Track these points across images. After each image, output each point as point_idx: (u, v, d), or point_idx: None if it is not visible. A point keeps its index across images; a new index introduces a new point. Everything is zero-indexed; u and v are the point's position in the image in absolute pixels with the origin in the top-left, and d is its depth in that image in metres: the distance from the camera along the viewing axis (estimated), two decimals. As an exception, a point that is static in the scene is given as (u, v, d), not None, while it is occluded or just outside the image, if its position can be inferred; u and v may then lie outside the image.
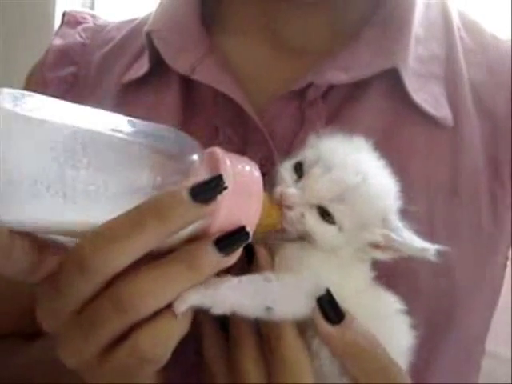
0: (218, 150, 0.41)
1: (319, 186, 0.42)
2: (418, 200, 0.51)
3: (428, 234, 0.42)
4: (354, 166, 0.43)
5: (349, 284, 0.42)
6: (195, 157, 0.39)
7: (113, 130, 0.37)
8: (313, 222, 0.42)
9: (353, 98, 0.54)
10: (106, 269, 0.35)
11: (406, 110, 0.54)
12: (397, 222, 0.43)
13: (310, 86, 0.52)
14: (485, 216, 0.54)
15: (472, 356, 0.59)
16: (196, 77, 0.55)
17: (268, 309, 0.39)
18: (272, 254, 0.43)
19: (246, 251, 0.41)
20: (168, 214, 0.35)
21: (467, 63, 0.57)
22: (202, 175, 0.38)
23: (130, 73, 0.60)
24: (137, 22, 0.66)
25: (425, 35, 0.56)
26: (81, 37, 0.66)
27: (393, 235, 0.42)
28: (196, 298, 0.38)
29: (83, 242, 0.36)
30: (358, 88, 0.54)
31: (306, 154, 0.44)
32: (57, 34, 0.66)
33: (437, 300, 0.52)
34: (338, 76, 0.53)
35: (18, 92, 0.35)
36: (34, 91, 0.46)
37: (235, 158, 0.41)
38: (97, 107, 0.39)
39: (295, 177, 0.44)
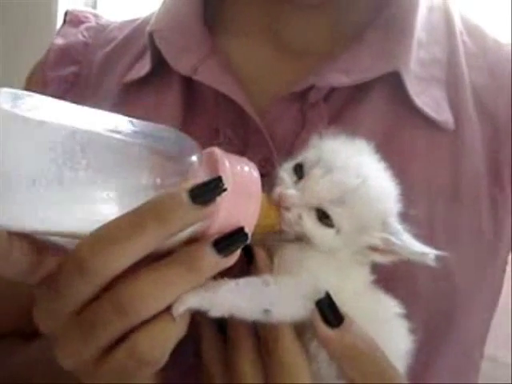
0: (216, 151, 0.40)
1: (319, 187, 0.42)
2: (418, 203, 0.51)
3: (428, 238, 0.42)
4: (355, 169, 0.42)
5: (347, 286, 0.42)
6: (194, 158, 0.39)
7: (112, 130, 0.37)
8: (310, 223, 0.42)
9: (354, 101, 0.54)
10: (105, 271, 0.35)
11: (407, 114, 0.54)
12: (396, 225, 0.43)
13: (311, 88, 0.52)
14: (485, 220, 0.54)
15: (471, 359, 0.59)
16: (197, 77, 0.55)
17: (266, 311, 0.39)
18: (271, 255, 0.43)
19: (245, 253, 0.41)
20: (167, 217, 0.35)
21: (469, 67, 0.57)
22: (201, 176, 0.38)
23: (131, 73, 0.60)
24: (139, 21, 0.66)
25: (427, 39, 0.56)
26: (83, 36, 0.66)
27: (392, 239, 0.42)
28: (194, 301, 0.38)
29: (83, 243, 0.36)
30: (360, 91, 0.54)
31: (307, 155, 0.44)
32: (59, 33, 0.66)
33: (436, 304, 0.52)
34: (340, 78, 0.53)
35: (17, 92, 0.35)
36: (35, 90, 0.46)
37: (234, 158, 0.41)
38: (98, 107, 0.39)
39: (295, 178, 0.43)
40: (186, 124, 0.55)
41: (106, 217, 0.35)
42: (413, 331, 0.44)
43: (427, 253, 0.41)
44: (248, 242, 0.39)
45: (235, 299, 0.39)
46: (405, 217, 0.44)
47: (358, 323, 0.40)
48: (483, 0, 0.90)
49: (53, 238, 0.37)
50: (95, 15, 0.69)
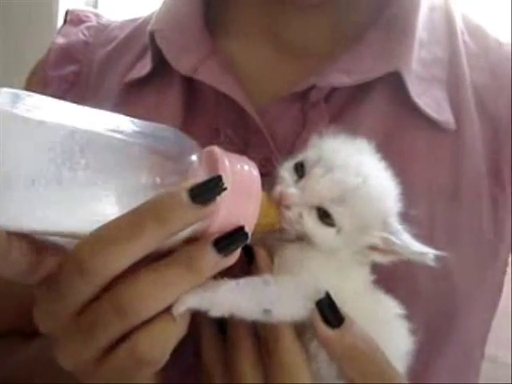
0: (216, 150, 0.40)
1: (320, 186, 0.42)
2: (418, 203, 0.51)
3: (428, 238, 0.42)
4: (356, 168, 0.42)
5: (348, 286, 0.42)
6: (194, 157, 0.39)
7: (112, 130, 0.36)
8: (311, 222, 0.42)
9: (355, 101, 0.54)
10: (105, 271, 0.35)
11: (408, 114, 0.54)
12: (397, 225, 0.43)
13: (312, 88, 0.52)
14: (485, 221, 0.54)
15: (471, 360, 0.59)
16: (198, 77, 0.55)
17: (266, 311, 0.39)
18: (271, 254, 0.43)
19: (245, 252, 0.41)
20: (167, 216, 0.35)
21: (470, 67, 0.57)
22: (200, 176, 0.38)
23: (132, 72, 0.60)
24: (140, 21, 0.66)
25: (428, 39, 0.56)
26: (84, 35, 0.66)
27: (392, 238, 0.42)
28: (194, 301, 0.38)
29: (83, 243, 0.36)
30: (361, 91, 0.54)
31: (308, 154, 0.44)
32: (59, 32, 0.66)
33: (436, 304, 0.52)
34: (341, 79, 0.52)
35: (16, 92, 0.35)
36: (36, 90, 0.46)
37: (234, 157, 0.41)
38: (99, 106, 0.39)
39: (295, 177, 0.43)
40: (187, 124, 0.55)
41: (105, 217, 0.35)
42: (413, 332, 0.44)
43: (427, 253, 0.41)
44: (248, 241, 0.38)
45: (235, 299, 0.39)
46: (405, 217, 0.44)
47: (358, 323, 0.40)
48: (484, 0, 0.90)
49: (52, 238, 0.37)
50: (96, 14, 0.69)
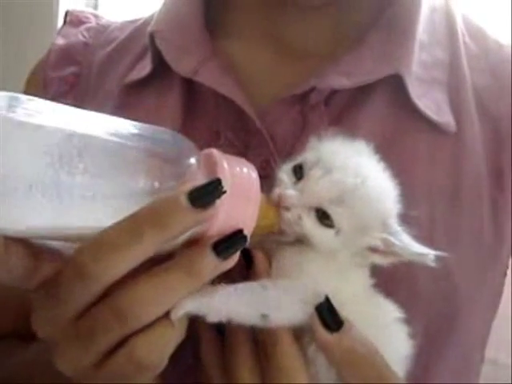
0: (214, 152, 0.40)
1: (319, 187, 0.42)
2: (419, 205, 0.51)
3: (428, 240, 0.42)
4: (355, 169, 0.42)
5: (347, 289, 0.42)
6: (192, 160, 0.39)
7: (110, 134, 0.36)
8: (310, 224, 0.42)
9: (355, 103, 0.54)
10: (106, 276, 0.35)
11: (409, 116, 0.54)
12: (396, 226, 0.43)
13: (312, 90, 0.52)
14: (486, 223, 0.54)
15: (472, 362, 0.59)
16: (198, 79, 0.54)
17: (264, 316, 0.39)
18: (270, 258, 0.43)
19: (244, 256, 0.41)
20: (167, 221, 0.35)
21: (471, 69, 0.57)
22: (199, 179, 0.38)
23: (132, 73, 0.60)
24: (140, 22, 0.66)
25: (429, 41, 0.56)
26: (83, 36, 0.66)
27: (392, 239, 0.42)
28: (193, 305, 0.38)
29: (82, 249, 0.36)
30: (361, 93, 0.53)
31: (307, 156, 0.44)
32: (59, 33, 0.66)
33: (437, 306, 0.52)
34: (341, 81, 0.52)
35: (14, 95, 0.34)
36: (36, 91, 0.46)
37: (232, 159, 0.41)
38: (98, 107, 0.39)
39: (294, 179, 0.43)
40: (187, 126, 0.55)
41: (104, 221, 0.35)
42: (413, 334, 0.44)
43: (427, 253, 0.41)
44: (247, 244, 0.38)
45: (233, 304, 0.39)
46: (405, 218, 0.44)
47: (358, 327, 0.40)
48: (484, 1, 0.90)
49: (49, 243, 0.37)
50: (96, 15, 0.69)
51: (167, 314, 0.37)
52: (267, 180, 0.44)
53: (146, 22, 0.63)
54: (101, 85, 0.62)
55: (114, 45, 0.64)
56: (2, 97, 0.34)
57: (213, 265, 0.37)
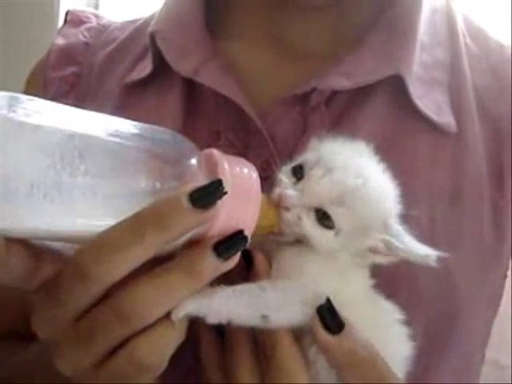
0: (215, 152, 0.40)
1: (320, 187, 0.41)
2: (419, 206, 0.51)
3: (429, 241, 0.42)
4: (355, 169, 0.42)
5: (347, 290, 0.42)
6: (193, 160, 0.39)
7: (111, 134, 0.36)
8: (309, 225, 0.42)
9: (356, 104, 0.54)
10: (107, 277, 0.35)
11: (409, 117, 0.54)
12: (397, 226, 0.43)
13: (313, 90, 0.52)
14: (486, 224, 0.54)
15: (472, 363, 0.59)
16: (199, 79, 0.54)
17: (264, 317, 0.39)
18: (270, 259, 0.43)
19: (244, 257, 0.41)
20: (168, 222, 0.35)
21: (471, 69, 0.57)
22: (200, 179, 0.38)
23: (132, 73, 0.60)
24: (140, 22, 0.66)
25: (430, 41, 0.56)
26: (84, 36, 0.66)
27: (393, 241, 0.42)
28: (194, 306, 0.38)
29: (83, 250, 0.36)
30: (362, 94, 0.53)
31: (307, 157, 0.44)
32: (59, 33, 0.66)
33: (438, 306, 0.52)
34: (341, 82, 0.52)
35: (15, 95, 0.34)
36: (36, 91, 0.45)
37: (233, 159, 0.41)
38: (99, 108, 0.39)
39: (294, 179, 0.43)
40: (187, 126, 0.55)
41: (105, 222, 0.35)
42: (414, 335, 0.44)
43: (429, 254, 0.41)
44: (248, 244, 0.38)
45: (233, 305, 0.39)
46: (406, 219, 0.43)
47: (358, 329, 0.40)
48: (484, 2, 0.90)
49: (49, 243, 0.37)
50: (96, 15, 0.69)
51: (168, 315, 0.37)
52: (267, 181, 0.44)
53: (147, 22, 0.62)
54: (101, 85, 0.62)
55: (114, 45, 0.64)
56: (2, 97, 0.34)
57: (213, 265, 0.37)
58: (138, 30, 0.64)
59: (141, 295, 0.36)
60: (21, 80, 0.67)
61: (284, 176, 0.43)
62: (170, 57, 0.56)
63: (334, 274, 0.42)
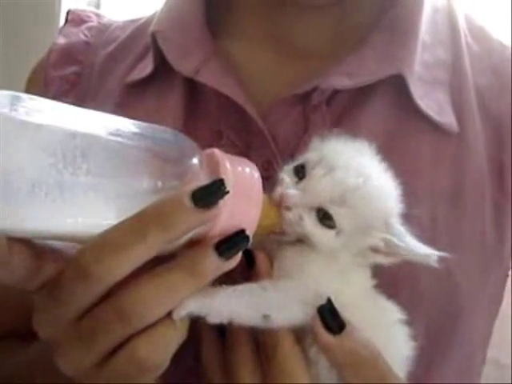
0: (217, 152, 0.40)
1: (322, 186, 0.41)
2: (421, 206, 0.51)
3: (430, 240, 0.42)
4: (357, 168, 0.42)
5: (348, 290, 0.42)
6: (195, 160, 0.39)
7: (112, 133, 0.36)
8: (311, 224, 0.42)
9: (357, 104, 0.54)
10: (109, 277, 0.35)
11: (411, 116, 0.54)
12: (398, 226, 0.43)
13: (314, 90, 0.52)
14: (488, 223, 0.54)
15: (474, 363, 0.59)
16: (200, 79, 0.54)
17: (265, 317, 0.39)
18: (271, 259, 0.43)
19: (245, 257, 0.41)
20: (170, 221, 0.35)
21: (473, 68, 0.57)
22: (201, 179, 0.38)
23: (133, 73, 0.60)
24: (142, 21, 0.66)
25: (431, 41, 0.56)
26: (85, 36, 0.65)
27: (394, 240, 0.42)
28: (195, 305, 0.38)
29: (85, 250, 0.35)
30: (363, 93, 0.53)
31: (309, 156, 0.44)
32: (60, 32, 0.66)
33: (439, 306, 0.52)
34: (343, 81, 0.52)
35: (16, 94, 0.34)
36: (37, 90, 0.45)
37: (234, 159, 0.41)
38: (100, 107, 0.39)
39: (296, 179, 0.43)
40: (188, 126, 0.55)
41: (107, 221, 0.35)
42: (416, 335, 0.44)
43: (430, 254, 0.41)
44: (249, 244, 0.38)
45: (234, 305, 0.39)
46: (408, 219, 0.43)
47: (359, 329, 0.40)
48: (485, 1, 0.90)
49: (51, 243, 0.37)
50: (97, 15, 0.69)
51: (169, 315, 0.37)
52: (269, 181, 0.44)
53: (148, 22, 0.62)
54: (102, 84, 0.62)
55: (115, 44, 0.64)
56: (3, 96, 0.33)
57: (215, 265, 0.37)
58: (139, 29, 0.64)
59: (142, 295, 0.36)
60: (22, 79, 0.67)
61: (286, 175, 0.43)
62: (171, 56, 0.56)
63: (335, 274, 0.42)
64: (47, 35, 1.12)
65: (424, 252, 0.41)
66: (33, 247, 0.36)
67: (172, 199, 0.35)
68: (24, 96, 0.35)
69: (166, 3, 0.61)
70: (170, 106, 0.56)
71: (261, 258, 0.42)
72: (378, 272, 0.44)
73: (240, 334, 0.41)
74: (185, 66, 0.55)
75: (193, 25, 0.58)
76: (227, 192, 0.36)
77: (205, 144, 0.41)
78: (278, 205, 0.42)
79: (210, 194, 0.36)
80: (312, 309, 0.39)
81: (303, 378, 0.40)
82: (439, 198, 0.53)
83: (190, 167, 0.38)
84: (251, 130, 0.53)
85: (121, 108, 0.58)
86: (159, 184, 0.37)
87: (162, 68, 0.57)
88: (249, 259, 0.42)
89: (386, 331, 0.43)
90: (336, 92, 0.53)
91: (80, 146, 0.34)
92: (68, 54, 0.64)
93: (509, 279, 0.58)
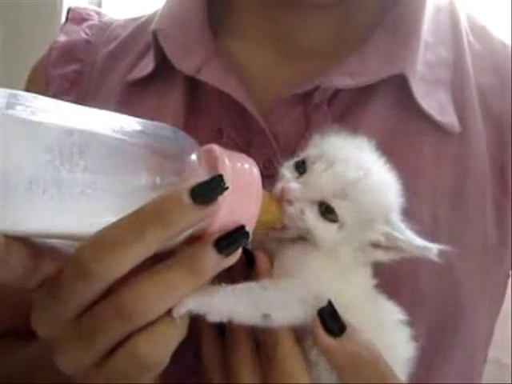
0: (215, 148, 0.40)
1: (323, 180, 0.41)
2: (423, 205, 0.51)
3: (432, 240, 0.42)
4: (357, 162, 0.42)
5: (349, 291, 0.42)
6: (193, 156, 0.38)
7: (110, 130, 0.36)
8: (313, 218, 0.41)
9: (359, 103, 0.53)
10: (109, 274, 0.35)
11: (412, 116, 0.53)
12: (399, 221, 0.43)
13: (315, 89, 0.52)
14: (489, 223, 0.54)
15: (475, 363, 0.59)
16: (201, 77, 0.54)
17: (265, 316, 0.39)
18: (271, 257, 0.43)
19: (245, 256, 0.41)
20: (170, 218, 0.35)
21: (475, 67, 0.57)
22: (200, 175, 0.37)
23: (134, 71, 0.60)
24: (143, 19, 0.65)
25: (433, 40, 0.56)
26: (85, 34, 0.65)
27: (395, 233, 0.42)
28: (195, 303, 0.37)
29: (84, 247, 0.35)
30: (365, 93, 0.53)
31: (309, 152, 0.44)
32: (61, 30, 0.66)
33: (441, 306, 0.52)
34: (344, 81, 0.52)
35: (14, 92, 0.34)
36: (37, 88, 0.45)
37: (233, 155, 0.40)
38: (100, 105, 0.38)
39: (296, 174, 0.43)
40: (189, 124, 0.55)
41: (105, 218, 0.35)
42: (417, 336, 0.43)
43: (430, 247, 0.41)
44: (249, 240, 0.38)
45: (234, 304, 0.39)
46: (409, 219, 0.43)
47: (360, 329, 0.40)
48: (487, 1, 0.89)
49: (49, 241, 0.37)
50: (98, 13, 0.69)
51: (169, 312, 0.37)
52: (270, 180, 0.43)
53: (149, 20, 0.62)
54: (103, 83, 0.62)
55: (116, 42, 0.64)
56: (1, 93, 0.33)
57: (215, 262, 0.37)
58: (140, 27, 0.64)
59: (142, 292, 0.36)
60: (23, 77, 0.67)
61: (286, 171, 0.43)
62: (172, 55, 0.56)
63: (336, 273, 0.42)
64: (48, 33, 1.11)
65: (424, 245, 0.41)
66: (31, 246, 0.35)
67: (171, 196, 0.35)
68: (22, 94, 0.34)
69: (167, 1, 0.61)
70: (170, 104, 0.56)
71: (261, 258, 0.42)
72: (378, 271, 0.44)
73: (240, 333, 0.41)
74: (186, 64, 0.55)
75: (194, 23, 0.58)
76: (226, 188, 0.36)
77: (206, 142, 0.41)
78: (279, 199, 0.42)
79: (209, 190, 0.36)
80: (312, 308, 0.39)
81: (303, 378, 0.40)
82: (441, 198, 0.53)
83: (188, 163, 0.38)
84: (252, 129, 0.52)
85: (122, 106, 0.58)
86: (158, 180, 0.36)
87: (163, 66, 0.57)
88: (249, 259, 0.42)
89: (387, 332, 0.43)
90: (338, 91, 0.53)
91: (77, 143, 0.34)
92: (69, 52, 0.64)
93: (510, 279, 0.58)
